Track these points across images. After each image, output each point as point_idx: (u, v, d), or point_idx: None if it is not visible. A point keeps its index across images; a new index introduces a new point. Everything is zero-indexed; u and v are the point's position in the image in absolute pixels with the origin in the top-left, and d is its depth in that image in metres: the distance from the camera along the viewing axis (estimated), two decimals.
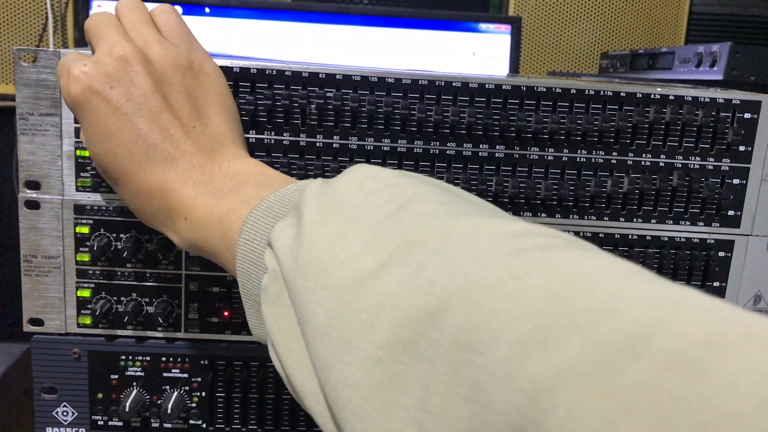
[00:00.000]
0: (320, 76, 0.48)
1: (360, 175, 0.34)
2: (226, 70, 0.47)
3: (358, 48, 1.20)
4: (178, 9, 1.15)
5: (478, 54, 1.23)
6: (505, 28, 1.24)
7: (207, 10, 1.17)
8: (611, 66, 1.21)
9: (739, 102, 0.49)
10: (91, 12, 1.14)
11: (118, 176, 0.39)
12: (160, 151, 0.38)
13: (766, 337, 0.18)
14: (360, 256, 0.28)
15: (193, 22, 1.16)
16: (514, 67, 1.23)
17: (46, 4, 1.22)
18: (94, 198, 0.49)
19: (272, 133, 0.48)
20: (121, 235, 0.49)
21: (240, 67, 0.47)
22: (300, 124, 0.48)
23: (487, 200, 0.50)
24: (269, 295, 0.33)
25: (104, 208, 0.49)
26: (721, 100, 0.49)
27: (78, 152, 0.48)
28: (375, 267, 0.27)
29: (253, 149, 0.48)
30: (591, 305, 0.21)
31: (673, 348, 0.18)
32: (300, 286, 0.30)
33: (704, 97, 0.49)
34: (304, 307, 0.29)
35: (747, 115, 0.49)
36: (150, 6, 0.44)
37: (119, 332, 0.51)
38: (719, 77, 0.90)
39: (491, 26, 1.24)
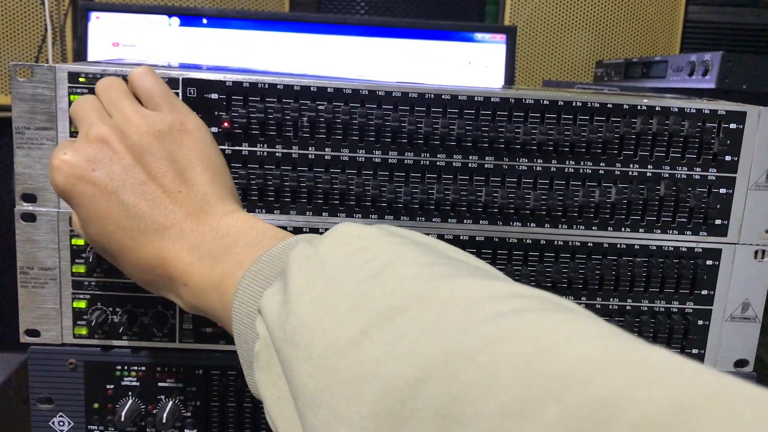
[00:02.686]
0: (312, 89, 0.49)
1: (344, 234, 0.35)
2: (218, 84, 0.48)
3: (355, 58, 1.21)
4: (176, 21, 1.16)
5: (474, 63, 1.24)
6: (501, 37, 1.25)
7: (204, 21, 1.18)
8: (606, 74, 1.22)
9: (724, 113, 0.50)
10: (89, 24, 1.15)
11: (117, 253, 0.40)
12: (151, 222, 0.38)
13: (731, 402, 0.18)
14: (343, 322, 0.29)
15: (190, 33, 1.17)
16: (510, 76, 1.24)
17: (45, 16, 1.23)
18: None
19: (264, 145, 0.49)
20: None
21: (233, 81, 0.48)
22: (292, 137, 0.49)
23: (477, 210, 0.50)
24: (261, 362, 0.33)
25: None
26: (706, 111, 0.50)
27: None
28: (357, 334, 0.28)
29: (246, 161, 0.49)
30: (563, 371, 0.21)
31: (640, 415, 0.19)
32: (289, 356, 0.30)
33: (690, 108, 0.50)
34: (293, 376, 0.30)
35: (732, 126, 0.50)
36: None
37: (115, 342, 0.52)
38: (711, 86, 0.90)
39: (487, 36, 1.25)
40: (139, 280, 0.41)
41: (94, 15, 1.17)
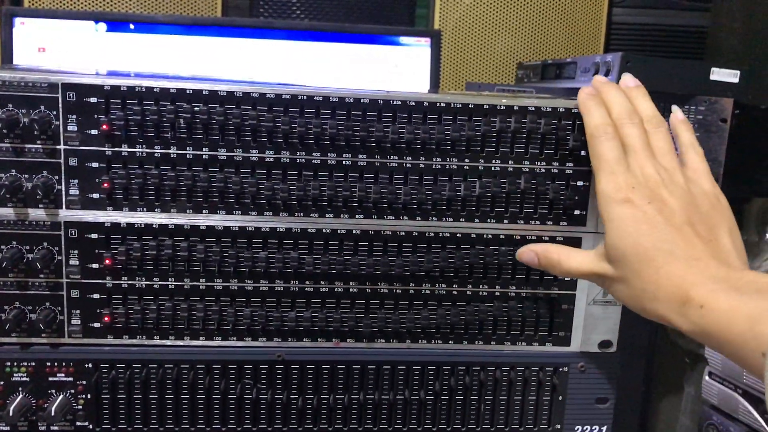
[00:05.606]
0: (187, 92, 0.51)
1: None
2: (97, 88, 0.50)
3: (280, 63, 1.23)
4: (102, 26, 1.17)
5: (400, 66, 1.27)
6: (426, 41, 1.28)
7: (131, 26, 1.19)
8: (526, 76, 1.26)
9: (578, 111, 0.54)
10: (14, 29, 1.15)
11: (641, 265, 0.45)
12: (683, 251, 0.45)
13: None
14: None
15: (117, 39, 1.18)
16: (435, 79, 1.28)
17: None
18: None
19: (144, 146, 0.51)
20: (2, 246, 0.52)
21: (111, 85, 0.50)
22: (170, 138, 0.51)
23: (352, 205, 0.53)
24: None
25: None
26: (561, 110, 0.54)
27: None
28: None
29: (126, 162, 0.51)
30: None
31: None
32: None
33: (546, 107, 0.53)
34: None
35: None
36: None
37: (3, 339, 0.53)
38: None
39: (412, 40, 1.28)
40: (644, 291, 0.45)
41: (18, 20, 1.17)
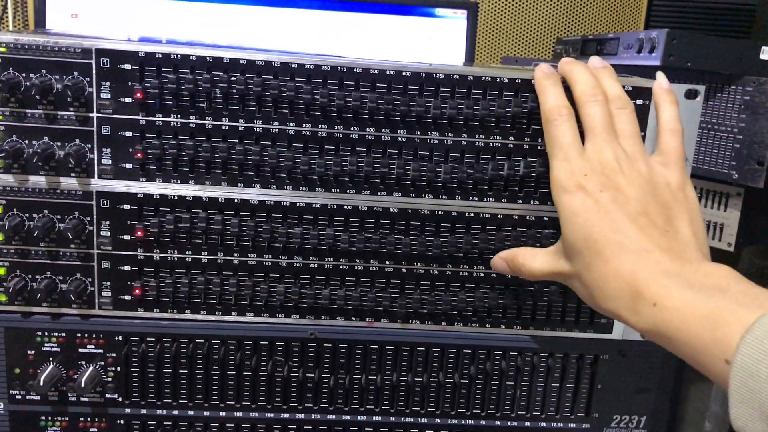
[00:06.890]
0: (224, 60, 0.49)
1: None
2: (131, 55, 0.49)
3: (313, 32, 1.21)
4: None
5: (435, 39, 1.24)
6: (462, 13, 1.25)
7: None
8: (564, 51, 1.23)
9: (631, 89, 0.51)
10: None
11: (591, 258, 0.42)
12: (633, 242, 0.41)
13: None
14: None
15: (150, 5, 1.16)
16: (470, 52, 1.24)
17: None
18: (6, 179, 0.50)
19: (178, 116, 0.50)
20: (34, 215, 0.51)
21: (146, 52, 0.49)
22: (206, 108, 0.50)
23: (390, 182, 0.51)
24: None
25: (17, 189, 0.50)
26: None
27: None
28: None
29: (160, 132, 0.50)
30: None
31: None
32: None
33: None
34: None
35: (639, 102, 0.51)
36: None
37: (35, 309, 0.53)
38: (657, 63, 0.91)
39: (448, 12, 1.25)
40: (597, 288, 0.42)
41: None
